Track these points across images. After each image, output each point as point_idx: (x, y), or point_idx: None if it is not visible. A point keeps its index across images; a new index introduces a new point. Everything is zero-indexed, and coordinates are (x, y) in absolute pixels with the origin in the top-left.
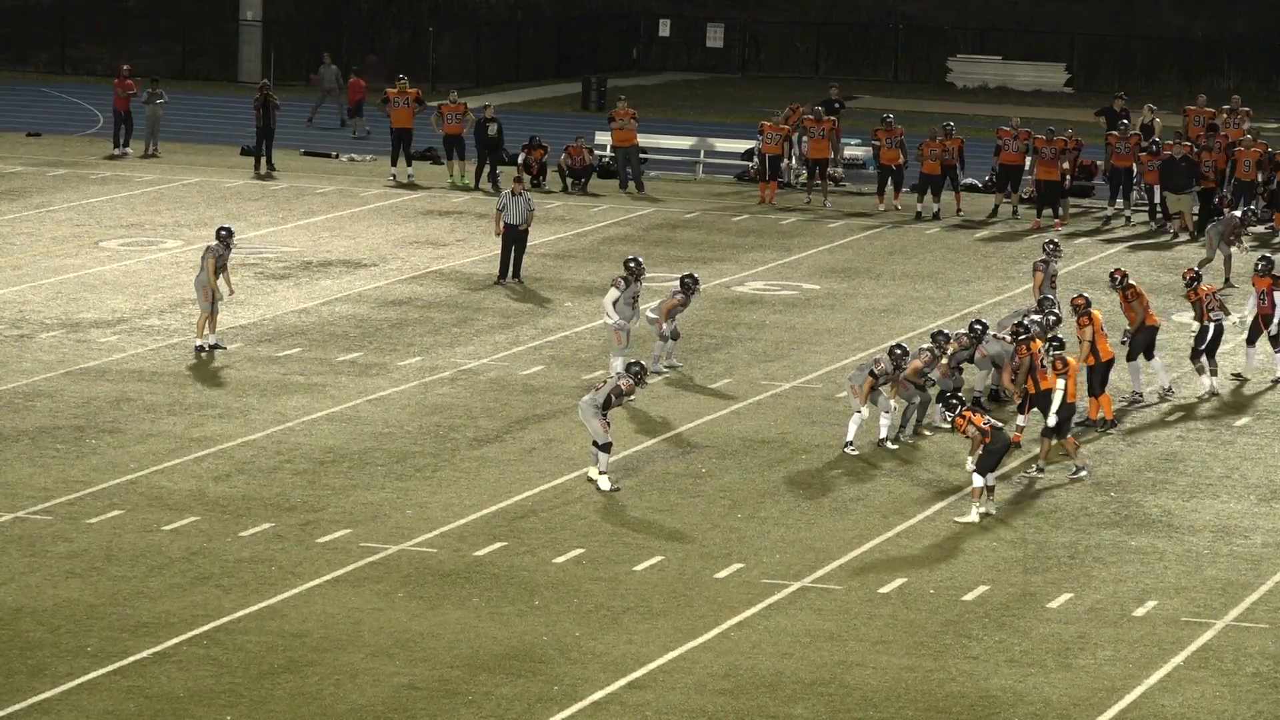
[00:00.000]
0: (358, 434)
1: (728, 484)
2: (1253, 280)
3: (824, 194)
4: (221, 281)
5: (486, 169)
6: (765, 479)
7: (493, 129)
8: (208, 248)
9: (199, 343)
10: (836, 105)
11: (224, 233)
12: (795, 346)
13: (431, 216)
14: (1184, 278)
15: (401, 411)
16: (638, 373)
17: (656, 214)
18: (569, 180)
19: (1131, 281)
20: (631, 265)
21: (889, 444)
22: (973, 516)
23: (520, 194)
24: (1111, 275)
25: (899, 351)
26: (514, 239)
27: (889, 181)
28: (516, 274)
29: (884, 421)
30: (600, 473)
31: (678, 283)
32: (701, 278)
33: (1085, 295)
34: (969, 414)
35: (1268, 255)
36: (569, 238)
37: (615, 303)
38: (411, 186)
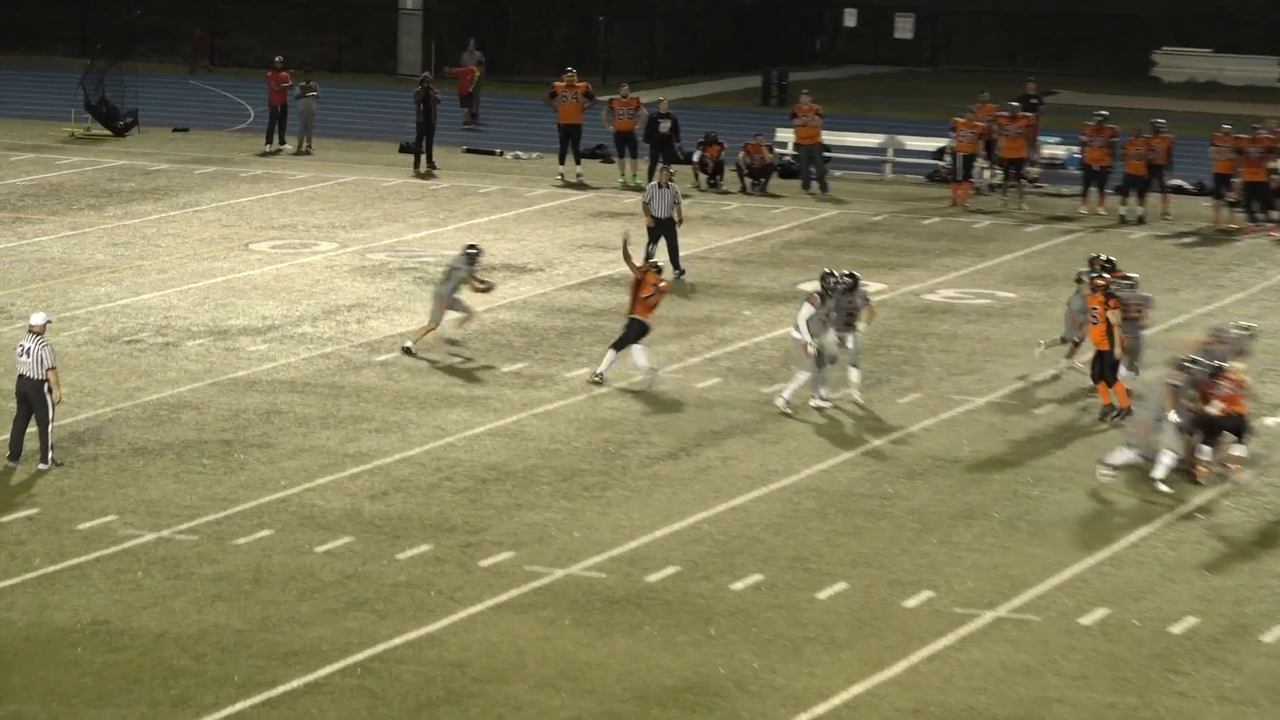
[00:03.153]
0: (522, 450)
1: (917, 505)
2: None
3: (1020, 196)
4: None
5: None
6: (957, 500)
7: (665, 126)
8: (453, 266)
9: (408, 344)
10: (1034, 101)
11: (472, 250)
12: (990, 358)
13: (601, 218)
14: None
15: (569, 426)
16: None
17: (841, 216)
18: (748, 180)
19: None
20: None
21: (1161, 485)
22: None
23: (666, 185)
24: None
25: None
26: (662, 230)
27: (1092, 183)
28: (675, 265)
29: (1165, 461)
30: None
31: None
32: (889, 284)
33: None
34: None
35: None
36: (747, 242)
37: (809, 320)
38: (580, 186)
